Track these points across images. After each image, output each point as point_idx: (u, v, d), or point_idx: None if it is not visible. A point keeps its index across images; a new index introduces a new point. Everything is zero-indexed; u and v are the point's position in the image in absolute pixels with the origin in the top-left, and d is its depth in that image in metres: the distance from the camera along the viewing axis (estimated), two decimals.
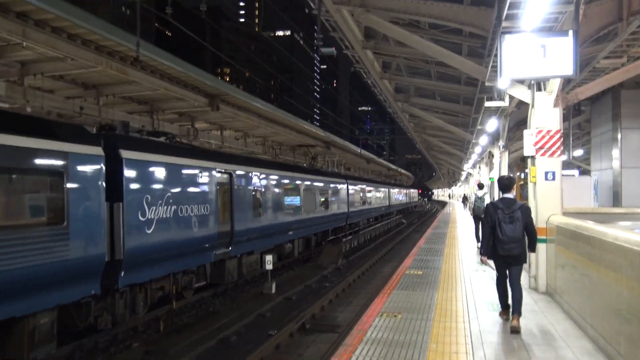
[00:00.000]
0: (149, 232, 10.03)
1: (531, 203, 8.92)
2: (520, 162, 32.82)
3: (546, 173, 8.37)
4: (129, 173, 9.57)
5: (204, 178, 12.31)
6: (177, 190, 11.17)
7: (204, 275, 12.88)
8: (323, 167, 30.16)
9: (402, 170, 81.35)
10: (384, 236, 33.50)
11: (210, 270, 13.23)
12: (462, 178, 52.05)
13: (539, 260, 8.53)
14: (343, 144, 33.77)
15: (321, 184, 23.14)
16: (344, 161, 44.49)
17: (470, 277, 10.22)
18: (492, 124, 14.75)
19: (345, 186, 27.98)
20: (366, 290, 15.54)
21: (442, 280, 9.73)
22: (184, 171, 11.55)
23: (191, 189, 11.74)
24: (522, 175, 27.95)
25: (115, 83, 14.87)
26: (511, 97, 10.93)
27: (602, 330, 5.53)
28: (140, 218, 9.79)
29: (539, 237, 8.52)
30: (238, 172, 14.28)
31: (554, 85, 8.05)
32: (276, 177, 17.45)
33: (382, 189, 43.71)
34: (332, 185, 25.07)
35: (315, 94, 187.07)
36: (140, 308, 10.42)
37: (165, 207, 10.60)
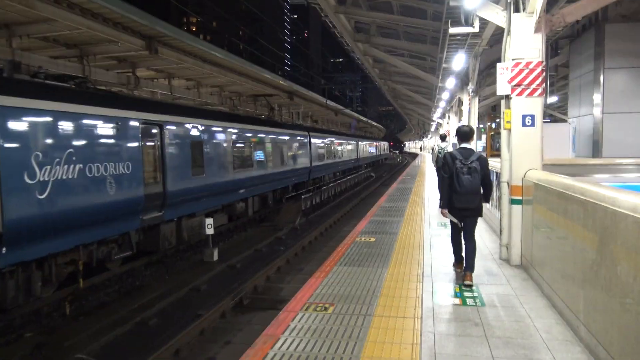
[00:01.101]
0: (42, 197, 8.13)
1: (504, 155, 7.28)
2: (492, 112, 31.31)
3: (524, 117, 6.67)
4: (8, 125, 7.57)
5: (122, 131, 10.34)
6: (84, 145, 9.21)
7: (129, 244, 11.08)
8: (282, 119, 28.18)
9: (373, 123, 79.60)
10: (350, 191, 32.02)
11: (137, 238, 11.45)
12: (432, 129, 50.62)
13: (513, 225, 6.94)
14: (307, 94, 31.76)
15: (278, 137, 21.25)
16: (310, 113, 42.53)
17: (431, 244, 8.63)
18: (459, 61, 12.79)
19: (307, 139, 26.14)
20: (322, 253, 14.00)
21: (396, 250, 8.10)
22: (94, 122, 9.55)
23: (104, 144, 9.78)
24: (494, 126, 26.49)
25: (27, 21, 12.68)
26: (482, 23, 9.07)
27: (596, 328, 4.01)
28: (28, 180, 7.87)
29: (513, 197, 6.93)
30: (171, 124, 12.31)
31: (536, 4, 6.26)
32: (221, 130, 15.51)
33: (350, 142, 42.00)
34: (291, 138, 23.20)
35: (285, 44, 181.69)
36: (38, 289, 8.62)
37: (66, 166, 8.67)
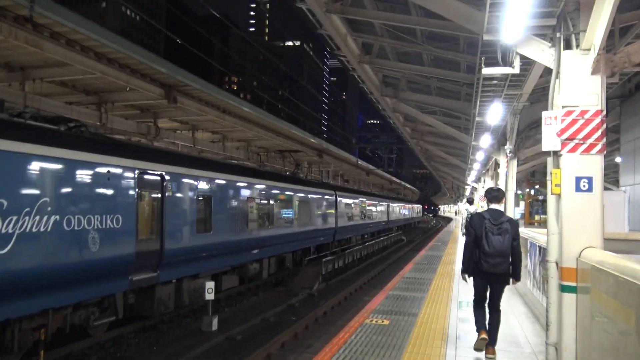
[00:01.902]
0: (2, 251, 6.99)
1: (551, 227, 5.78)
2: (530, 178, 29.55)
3: (578, 180, 5.21)
4: None
5: (112, 180, 9.28)
6: (62, 194, 8.14)
7: (114, 309, 9.78)
8: (310, 177, 27.12)
9: (406, 185, 78.07)
10: (378, 255, 30.28)
11: (125, 301, 10.17)
12: (467, 193, 48.78)
13: (564, 319, 5.32)
14: (337, 152, 30.85)
15: (300, 194, 20.05)
16: (341, 172, 41.54)
17: (457, 333, 7.00)
18: (494, 113, 11.19)
19: (333, 198, 24.87)
20: (336, 327, 12.38)
21: (412, 340, 6.50)
22: (77, 169, 8.52)
23: (88, 194, 8.69)
24: (532, 192, 24.72)
25: (39, 65, 12.17)
26: (524, 63, 7.67)
27: None
28: None
29: (564, 282, 5.39)
30: (174, 175, 11.24)
31: (594, 39, 4.96)
32: (235, 184, 14.41)
33: (381, 203, 40.51)
34: (315, 196, 21.97)
35: (323, 105, 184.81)
36: None
37: (37, 217, 7.56)
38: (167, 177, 10.98)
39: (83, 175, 8.62)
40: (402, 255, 30.03)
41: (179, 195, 11.47)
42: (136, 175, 9.95)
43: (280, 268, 18.68)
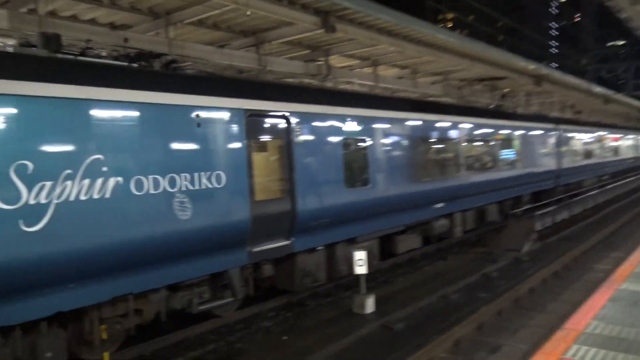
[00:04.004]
0: (30, 229, 5.27)
1: None
2: None
3: None
4: None
5: (206, 126, 7.08)
6: (125, 148, 6.19)
7: (231, 289, 7.77)
8: (522, 108, 22.19)
9: None
10: (621, 200, 23.98)
11: (242, 276, 8.11)
12: None
13: None
14: (561, 78, 25.01)
15: (504, 131, 15.89)
16: (570, 102, 34.53)
17: None
18: None
19: (555, 133, 19.82)
20: (545, 315, 8.68)
21: None
22: (146, 114, 6.48)
23: (166, 147, 6.63)
24: None
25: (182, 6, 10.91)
26: None
27: None
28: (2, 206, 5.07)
29: None
30: (303, 115, 8.67)
31: None
32: (404, 123, 11.28)
33: (628, 136, 32.64)
34: (528, 132, 17.49)
35: (550, 32, 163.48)
36: None
37: (87, 180, 5.71)
38: (294, 119, 8.46)
39: (153, 123, 6.54)
40: None
41: (314, 141, 8.89)
42: (245, 119, 7.60)
43: (481, 223, 15.10)
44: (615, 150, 29.78)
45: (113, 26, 12.58)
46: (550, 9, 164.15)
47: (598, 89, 32.44)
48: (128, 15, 12.47)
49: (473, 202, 14.06)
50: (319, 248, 9.37)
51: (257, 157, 7.96)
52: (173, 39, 12.55)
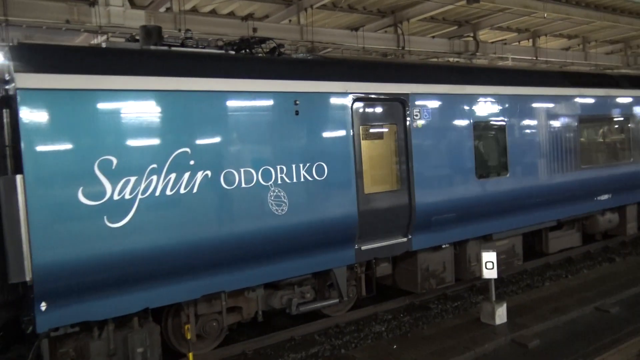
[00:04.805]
0: (115, 225, 5.25)
1: None
2: None
3: None
4: (35, 116, 4.94)
5: (308, 112, 6.55)
6: (223, 139, 5.94)
7: (337, 289, 7.19)
8: None
9: None
10: None
11: (353, 275, 7.49)
12: None
13: None
14: None
15: None
16: None
17: None
18: None
19: None
20: None
21: None
22: (255, 103, 6.16)
23: (258, 137, 6.24)
24: None
25: None
26: None
27: None
28: (84, 200, 5.10)
29: None
30: (425, 97, 7.71)
31: None
32: (553, 103, 9.62)
33: None
34: None
35: None
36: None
37: (173, 174, 5.57)
38: (413, 102, 7.55)
39: (266, 108, 6.23)
40: None
41: (436, 125, 7.86)
42: (351, 103, 6.92)
43: None
44: None
45: (244, 18, 12.70)
46: None
47: None
48: (262, 6, 12.51)
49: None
50: (445, 246, 8.36)
51: (367, 146, 7.23)
52: (305, 25, 12.28)
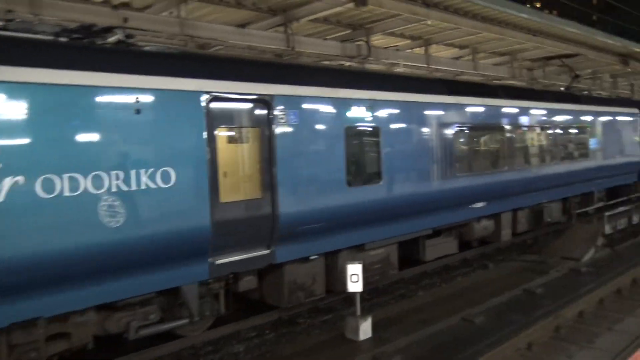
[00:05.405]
0: None
1: None
2: None
3: None
4: None
5: (151, 113, 5.84)
6: (40, 140, 5.10)
7: (185, 308, 6.53)
8: (590, 92, 19.34)
9: None
10: None
11: (208, 292, 6.86)
12: None
13: None
14: None
15: (567, 117, 13.61)
16: None
17: None
18: None
19: (636, 119, 17.04)
20: (596, 349, 6.78)
21: None
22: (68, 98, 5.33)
23: (106, 137, 5.53)
24: None
25: None
26: None
27: None
28: None
29: None
30: (290, 100, 7.24)
31: None
32: (428, 107, 9.53)
33: None
34: (603, 119, 15.00)
35: None
36: None
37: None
38: (279, 104, 7.05)
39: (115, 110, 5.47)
40: None
41: (304, 130, 7.42)
42: (207, 103, 6.29)
43: (537, 224, 12.99)
44: None
45: (115, 6, 11.64)
46: None
47: None
48: None
49: (523, 201, 12.02)
50: (314, 257, 7.94)
51: (225, 150, 6.64)
52: (186, 18, 11.48)
